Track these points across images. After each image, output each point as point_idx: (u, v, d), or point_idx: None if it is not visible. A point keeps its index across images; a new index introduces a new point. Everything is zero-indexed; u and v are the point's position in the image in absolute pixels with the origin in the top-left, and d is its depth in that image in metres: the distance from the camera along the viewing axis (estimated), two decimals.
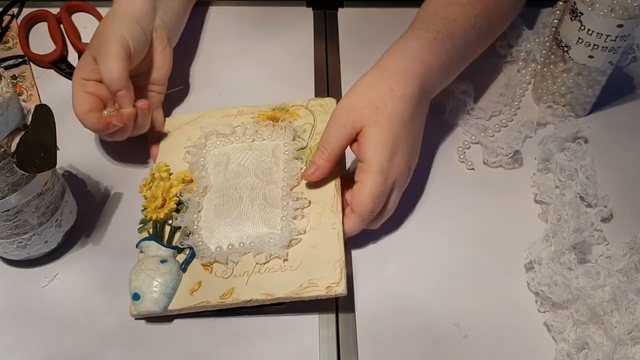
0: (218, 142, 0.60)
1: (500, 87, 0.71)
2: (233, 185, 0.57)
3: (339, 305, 0.54)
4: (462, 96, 0.68)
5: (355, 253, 0.57)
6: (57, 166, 0.52)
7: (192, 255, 0.53)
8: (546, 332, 0.52)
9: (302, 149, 0.59)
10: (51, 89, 0.71)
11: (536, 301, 0.54)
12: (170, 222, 0.56)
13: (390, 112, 0.54)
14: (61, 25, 0.77)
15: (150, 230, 0.55)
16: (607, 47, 0.60)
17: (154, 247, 0.54)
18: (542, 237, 0.56)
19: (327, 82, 0.72)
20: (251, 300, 0.50)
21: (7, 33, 0.76)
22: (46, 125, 0.50)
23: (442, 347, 0.52)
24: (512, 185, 0.62)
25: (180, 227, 0.55)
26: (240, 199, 0.56)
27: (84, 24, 0.78)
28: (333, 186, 0.56)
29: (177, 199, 0.56)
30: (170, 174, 0.58)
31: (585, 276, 0.52)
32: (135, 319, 0.52)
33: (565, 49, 0.63)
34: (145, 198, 0.56)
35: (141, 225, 0.56)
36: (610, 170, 0.64)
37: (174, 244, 0.54)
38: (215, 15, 0.79)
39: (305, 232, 0.53)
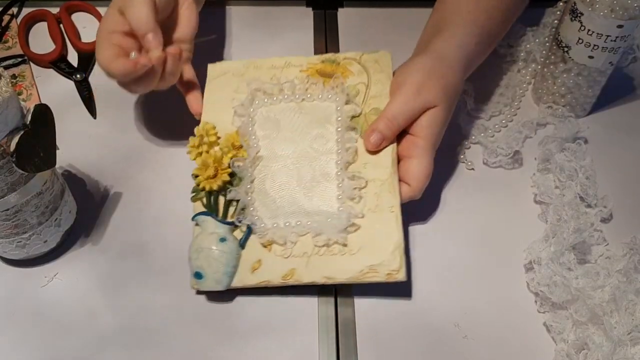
0: (265, 100, 0.58)
1: (500, 88, 0.71)
2: (286, 154, 0.55)
3: (339, 306, 0.54)
4: (462, 96, 0.68)
5: None
6: (57, 166, 0.52)
7: (250, 232, 0.53)
8: (546, 333, 0.52)
9: (356, 116, 0.56)
10: (51, 89, 0.71)
11: (536, 301, 0.54)
12: (223, 193, 0.54)
13: (453, 97, 0.57)
14: (61, 25, 0.77)
15: (204, 200, 0.54)
16: (607, 48, 0.60)
17: (211, 223, 0.53)
18: (541, 237, 0.56)
19: None
20: (313, 282, 0.51)
21: (7, 32, 0.76)
22: (45, 124, 0.50)
23: (442, 347, 0.51)
24: (512, 186, 0.62)
25: (233, 200, 0.54)
26: (297, 170, 0.54)
27: (84, 23, 0.78)
28: (390, 163, 0.54)
29: (230, 169, 0.54)
30: (219, 137, 0.56)
31: (585, 276, 0.52)
32: (196, 293, 0.53)
33: (566, 49, 0.63)
34: (196, 163, 0.55)
35: (194, 194, 0.55)
36: (610, 170, 0.64)
37: (229, 217, 0.53)
38: (215, 15, 0.79)
39: (363, 216, 0.52)
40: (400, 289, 0.55)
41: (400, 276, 0.50)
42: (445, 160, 0.64)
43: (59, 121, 0.51)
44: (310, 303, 0.54)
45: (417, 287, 0.55)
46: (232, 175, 0.55)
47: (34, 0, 0.80)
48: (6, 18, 0.77)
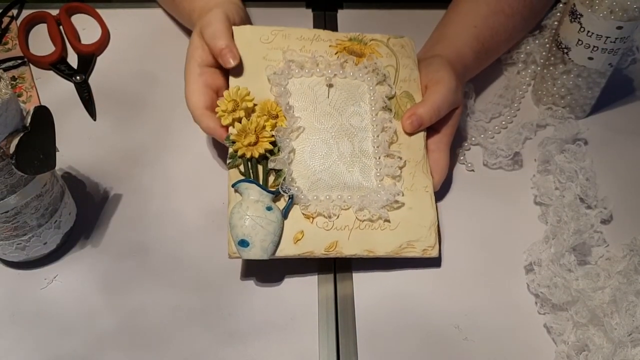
0: (297, 72, 0.58)
1: (500, 89, 0.71)
2: (325, 127, 0.56)
3: (339, 306, 0.54)
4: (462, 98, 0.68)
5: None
6: (56, 168, 0.52)
7: (292, 202, 0.53)
8: (546, 334, 0.52)
9: (391, 97, 0.58)
10: (50, 91, 0.70)
11: (536, 303, 0.54)
12: (261, 162, 0.53)
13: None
14: (60, 27, 0.77)
15: (242, 168, 0.53)
16: (606, 49, 0.60)
17: (255, 191, 0.52)
18: (542, 238, 0.56)
19: None
20: (354, 255, 0.52)
21: (7, 34, 0.76)
22: (45, 126, 0.50)
23: (442, 349, 0.51)
24: (512, 187, 0.62)
25: (273, 170, 0.53)
26: (336, 145, 0.55)
27: (83, 25, 0.78)
28: (423, 146, 0.58)
29: (273, 138, 0.53)
30: (255, 104, 0.55)
31: (585, 278, 0.52)
32: (230, 258, 0.52)
33: (565, 50, 0.63)
34: (227, 125, 0.54)
35: (231, 160, 0.53)
36: (610, 171, 0.64)
37: (269, 187, 0.53)
38: None
39: (402, 194, 0.54)
40: (400, 290, 0.55)
41: (435, 252, 0.54)
42: None
43: (58, 123, 0.51)
44: (311, 303, 0.54)
45: (417, 289, 0.55)
46: (273, 144, 0.54)
47: (33, 2, 0.80)
48: (6, 20, 0.77)
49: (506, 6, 0.66)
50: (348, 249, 0.52)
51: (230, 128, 0.54)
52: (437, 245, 0.54)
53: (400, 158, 0.56)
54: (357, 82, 0.59)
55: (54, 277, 0.55)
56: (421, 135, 0.58)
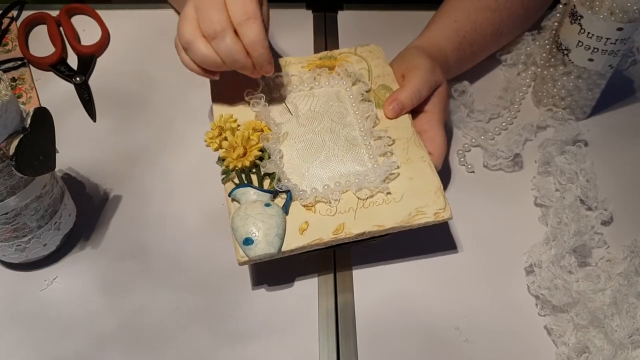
0: (276, 91, 0.60)
1: (500, 90, 0.71)
2: (310, 129, 0.57)
3: (339, 307, 0.54)
4: (462, 99, 0.68)
5: (355, 255, 0.57)
6: (56, 169, 0.52)
7: (290, 197, 0.53)
8: (546, 336, 0.52)
9: (367, 91, 0.60)
10: (50, 92, 0.70)
11: (536, 304, 0.54)
12: (254, 171, 0.54)
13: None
14: (60, 28, 0.77)
15: (236, 180, 0.54)
16: (607, 50, 0.60)
17: (251, 193, 0.52)
18: (542, 240, 0.56)
19: None
20: (364, 233, 0.51)
21: (7, 35, 0.76)
22: (45, 128, 0.50)
23: (442, 351, 0.51)
24: (513, 188, 0.62)
25: (267, 174, 0.54)
26: (323, 142, 0.56)
27: (83, 26, 0.78)
28: (409, 124, 0.58)
29: (260, 144, 0.55)
30: (238, 125, 0.56)
31: (586, 279, 0.52)
32: (240, 264, 0.51)
33: (565, 52, 0.63)
34: (215, 150, 0.55)
35: (224, 176, 0.54)
36: (610, 173, 0.64)
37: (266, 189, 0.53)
38: None
39: (398, 167, 0.54)
40: (400, 292, 0.55)
41: (447, 214, 0.52)
42: (446, 162, 0.64)
43: (58, 124, 0.51)
44: (311, 303, 0.54)
45: (418, 290, 0.55)
46: (262, 150, 0.55)
47: (33, 3, 0.80)
48: (6, 21, 0.77)
49: (492, 1, 0.67)
50: (357, 228, 0.51)
51: (220, 150, 0.55)
52: (449, 207, 0.52)
53: (389, 137, 0.56)
54: (335, 89, 0.60)
55: (54, 279, 0.55)
56: (406, 116, 0.59)
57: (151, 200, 0.61)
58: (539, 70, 0.70)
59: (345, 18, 0.80)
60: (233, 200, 0.53)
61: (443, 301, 0.54)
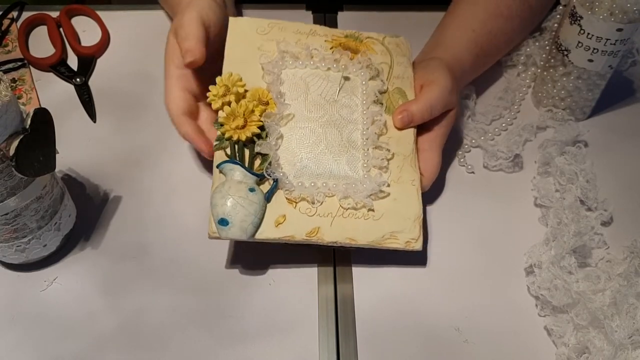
0: (290, 63, 0.58)
1: (500, 91, 0.71)
2: (315, 117, 0.56)
3: (340, 307, 0.54)
4: (463, 100, 0.68)
5: (355, 255, 0.57)
6: (56, 169, 0.52)
7: (276, 186, 0.53)
8: (546, 336, 0.52)
9: (382, 92, 0.59)
10: (50, 93, 0.70)
11: (536, 305, 0.54)
12: (248, 146, 0.54)
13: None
14: (61, 29, 0.77)
15: (228, 151, 0.53)
16: (606, 51, 0.60)
17: (239, 173, 0.52)
18: (542, 240, 0.56)
19: None
20: (335, 242, 0.52)
21: (7, 36, 0.76)
22: (45, 128, 0.50)
23: (442, 351, 0.51)
24: (513, 189, 0.62)
25: (259, 154, 0.53)
26: (324, 134, 0.55)
27: (84, 27, 0.78)
28: (412, 141, 0.57)
29: (261, 122, 0.54)
30: (246, 91, 0.55)
31: (586, 280, 0.52)
32: (210, 238, 0.52)
33: (565, 52, 0.63)
34: (216, 110, 0.54)
35: (217, 142, 0.54)
36: (610, 173, 0.64)
37: (255, 170, 0.53)
38: None
39: (388, 185, 0.54)
40: (400, 292, 0.55)
41: (418, 245, 0.53)
42: (446, 163, 0.64)
43: (58, 125, 0.51)
44: (311, 303, 0.54)
45: (418, 291, 0.55)
46: (261, 128, 0.54)
47: (34, 4, 0.80)
48: (6, 22, 0.77)
49: (504, 9, 0.66)
50: (329, 236, 0.52)
51: (220, 112, 0.54)
52: (421, 239, 0.53)
53: (389, 150, 0.56)
54: (351, 77, 0.59)
55: (54, 279, 0.55)
56: (411, 130, 0.58)
57: (151, 201, 0.61)
58: (539, 71, 0.70)
59: (345, 19, 0.80)
60: (220, 172, 0.53)
61: (443, 301, 0.54)
